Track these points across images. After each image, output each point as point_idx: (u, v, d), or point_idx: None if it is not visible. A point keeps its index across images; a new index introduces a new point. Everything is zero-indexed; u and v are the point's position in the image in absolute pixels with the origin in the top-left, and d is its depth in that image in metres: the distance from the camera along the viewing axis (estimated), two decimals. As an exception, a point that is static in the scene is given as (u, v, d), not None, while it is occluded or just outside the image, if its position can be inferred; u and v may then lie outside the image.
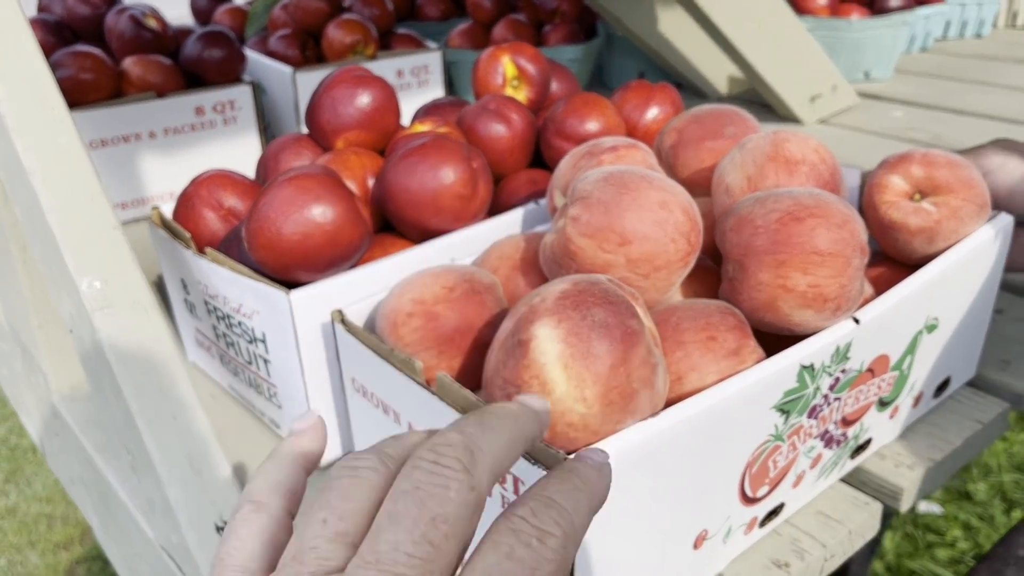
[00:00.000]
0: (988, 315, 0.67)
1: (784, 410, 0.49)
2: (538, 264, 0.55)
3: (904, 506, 0.59)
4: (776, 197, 0.50)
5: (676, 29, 1.40)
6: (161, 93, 1.04)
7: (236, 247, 0.62)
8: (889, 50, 1.55)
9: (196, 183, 0.68)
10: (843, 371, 0.52)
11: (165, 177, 1.08)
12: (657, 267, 0.48)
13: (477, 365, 0.50)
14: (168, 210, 0.70)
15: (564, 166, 0.61)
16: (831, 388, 0.52)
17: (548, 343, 0.41)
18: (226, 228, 0.67)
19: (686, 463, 0.44)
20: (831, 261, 0.48)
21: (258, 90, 1.10)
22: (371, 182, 0.67)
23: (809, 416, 0.51)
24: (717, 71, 1.50)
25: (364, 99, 0.70)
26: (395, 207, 0.64)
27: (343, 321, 0.54)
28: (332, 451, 0.62)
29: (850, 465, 0.59)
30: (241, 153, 1.12)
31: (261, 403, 0.66)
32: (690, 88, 1.51)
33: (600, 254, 0.48)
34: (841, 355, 0.51)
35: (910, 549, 1.40)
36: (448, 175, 0.62)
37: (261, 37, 1.31)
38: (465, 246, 0.64)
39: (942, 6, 1.78)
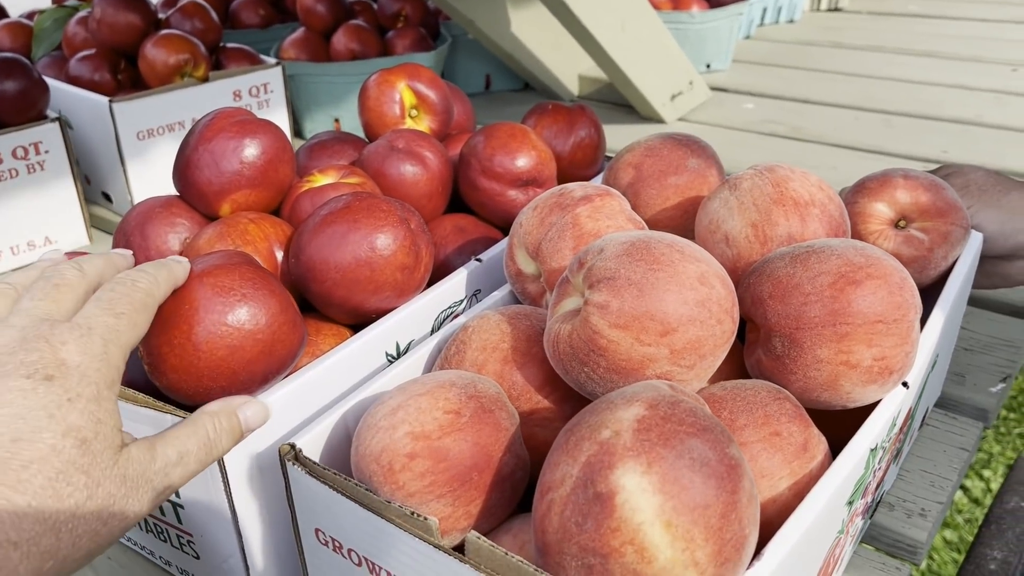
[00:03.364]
0: (956, 335, 0.64)
1: (851, 501, 0.42)
2: (533, 352, 0.45)
3: (923, 561, 0.55)
4: (816, 254, 0.43)
5: (528, 30, 1.33)
6: (-58, 140, 0.83)
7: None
8: (727, 40, 1.55)
9: (40, 276, 0.52)
10: (889, 439, 0.46)
11: (-43, 243, 0.87)
12: (703, 355, 0.40)
13: (497, 504, 0.39)
14: None
15: (529, 222, 0.51)
16: (879, 461, 0.46)
17: (640, 496, 0.31)
18: (92, 333, 0.51)
19: (785, 600, 0.37)
20: (896, 328, 0.41)
21: (66, 127, 0.91)
22: (278, 254, 0.54)
23: (862, 496, 0.45)
24: (568, 72, 1.44)
25: (252, 150, 0.56)
26: (321, 288, 0.51)
27: (298, 459, 0.41)
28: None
29: (867, 524, 0.54)
30: (54, 207, 0.92)
31: (166, 551, 0.51)
32: (542, 90, 1.44)
33: (638, 347, 0.39)
34: (893, 425, 0.45)
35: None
36: (387, 243, 0.51)
37: (54, 59, 1.09)
38: (411, 325, 0.53)
39: (762, -6, 1.83)
